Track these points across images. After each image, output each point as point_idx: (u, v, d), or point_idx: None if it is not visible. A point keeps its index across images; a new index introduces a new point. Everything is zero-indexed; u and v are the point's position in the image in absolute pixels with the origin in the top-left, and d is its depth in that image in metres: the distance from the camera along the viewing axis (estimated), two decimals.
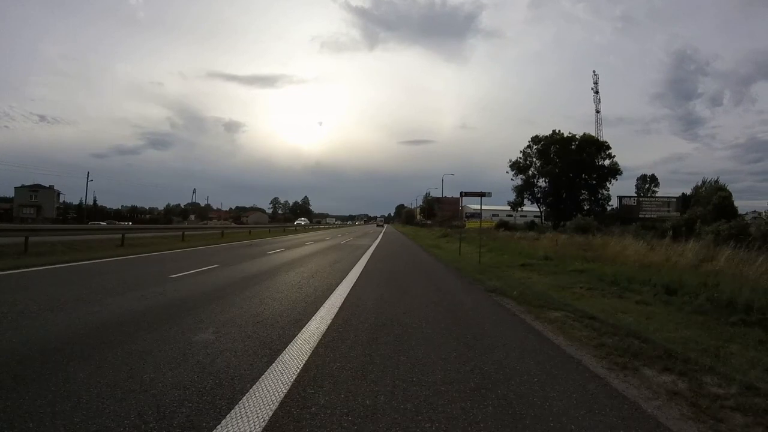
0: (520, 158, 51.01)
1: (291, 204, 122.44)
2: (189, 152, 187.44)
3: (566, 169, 47.68)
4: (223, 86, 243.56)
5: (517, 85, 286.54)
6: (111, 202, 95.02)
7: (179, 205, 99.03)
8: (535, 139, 49.93)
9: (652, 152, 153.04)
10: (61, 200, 56.88)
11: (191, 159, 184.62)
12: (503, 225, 37.92)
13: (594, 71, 53.68)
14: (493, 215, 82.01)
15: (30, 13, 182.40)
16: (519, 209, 52.55)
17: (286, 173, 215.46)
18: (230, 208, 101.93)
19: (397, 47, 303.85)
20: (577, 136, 47.93)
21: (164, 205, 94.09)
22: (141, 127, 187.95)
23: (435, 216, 64.57)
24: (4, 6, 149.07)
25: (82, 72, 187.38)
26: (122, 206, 77.91)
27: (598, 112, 54.64)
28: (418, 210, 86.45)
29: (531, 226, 38.39)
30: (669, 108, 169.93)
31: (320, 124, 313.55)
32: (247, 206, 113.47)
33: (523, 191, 51.49)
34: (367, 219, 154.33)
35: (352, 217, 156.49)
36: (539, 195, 50.86)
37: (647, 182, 72.43)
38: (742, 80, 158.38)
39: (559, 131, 48.73)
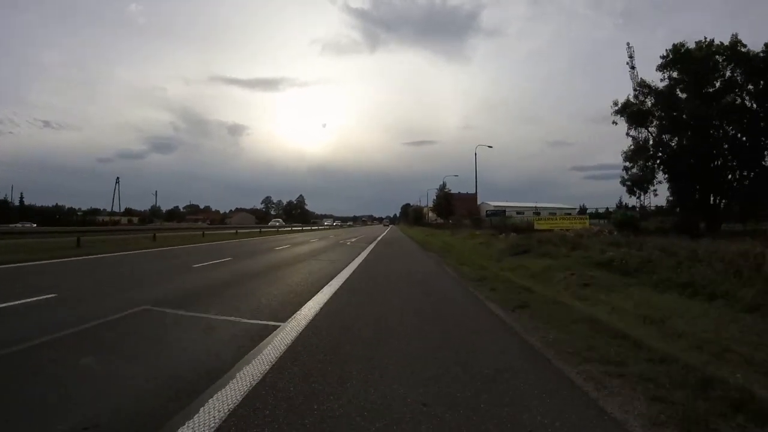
0: (633, 98, 28.74)
1: (285, 203, 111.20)
2: (192, 155, 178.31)
3: (721, 116, 25.09)
4: (226, 90, 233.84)
5: (520, 84, 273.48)
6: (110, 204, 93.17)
7: (178, 207, 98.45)
8: (677, 53, 26.26)
9: None
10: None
11: (195, 162, 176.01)
12: (629, 224, 20.45)
13: (628, 43, 36.64)
14: (518, 212, 70.90)
15: (32, 22, 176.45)
16: (646, 191, 30.07)
17: (290, 175, 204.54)
18: (229, 210, 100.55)
19: (399, 48, 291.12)
20: (752, 52, 24.93)
21: (167, 207, 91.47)
22: (145, 132, 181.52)
23: (453, 213, 53.30)
24: (8, 15, 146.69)
25: (86, 79, 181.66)
26: (126, 208, 78.72)
27: (635, 89, 39.64)
28: (428, 208, 75.22)
29: (682, 227, 21.07)
30: None
31: (324, 126, 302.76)
32: (247, 208, 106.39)
33: (647, 157, 28.17)
34: (370, 220, 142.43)
35: (355, 218, 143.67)
36: (675, 165, 26.51)
37: None
38: None
39: (711, 41, 25.78)
